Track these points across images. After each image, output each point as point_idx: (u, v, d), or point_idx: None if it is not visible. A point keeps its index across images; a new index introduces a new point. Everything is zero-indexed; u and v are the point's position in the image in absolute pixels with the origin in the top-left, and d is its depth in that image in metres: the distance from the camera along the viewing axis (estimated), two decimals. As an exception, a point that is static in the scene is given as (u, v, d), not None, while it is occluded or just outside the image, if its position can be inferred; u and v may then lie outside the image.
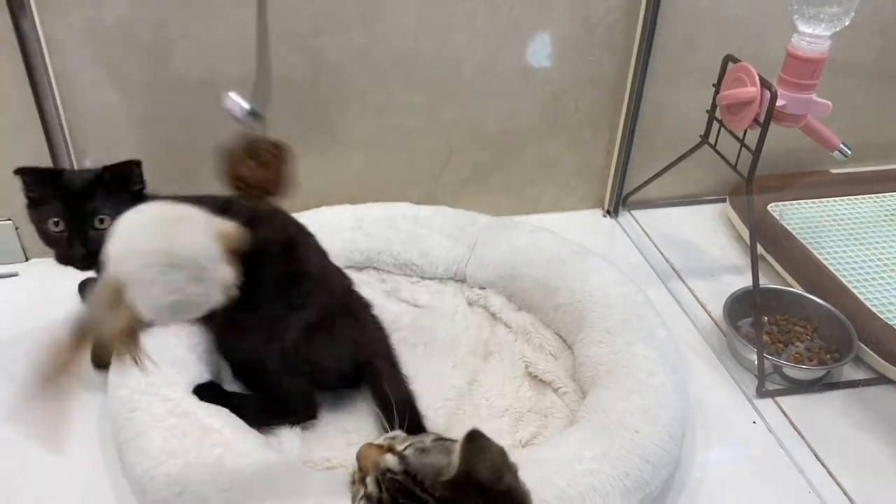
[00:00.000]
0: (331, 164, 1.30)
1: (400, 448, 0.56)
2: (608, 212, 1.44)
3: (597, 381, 0.95)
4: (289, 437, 0.93)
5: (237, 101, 0.85)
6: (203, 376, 0.95)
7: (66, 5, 1.07)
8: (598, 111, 1.34)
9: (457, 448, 0.52)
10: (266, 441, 0.91)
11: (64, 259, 0.94)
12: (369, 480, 0.54)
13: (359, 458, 0.57)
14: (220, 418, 0.87)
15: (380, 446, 0.57)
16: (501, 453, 0.52)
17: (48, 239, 0.93)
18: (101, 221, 0.92)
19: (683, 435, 0.90)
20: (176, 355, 0.95)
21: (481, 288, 1.19)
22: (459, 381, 1.03)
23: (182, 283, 0.66)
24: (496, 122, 1.32)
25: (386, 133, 1.29)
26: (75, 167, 1.17)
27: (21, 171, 0.93)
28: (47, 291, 1.20)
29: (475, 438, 0.51)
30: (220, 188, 0.97)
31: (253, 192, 0.78)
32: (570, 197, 1.43)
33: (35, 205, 0.93)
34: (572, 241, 1.18)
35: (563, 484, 0.78)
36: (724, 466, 0.94)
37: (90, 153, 1.20)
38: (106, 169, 0.93)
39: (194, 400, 0.89)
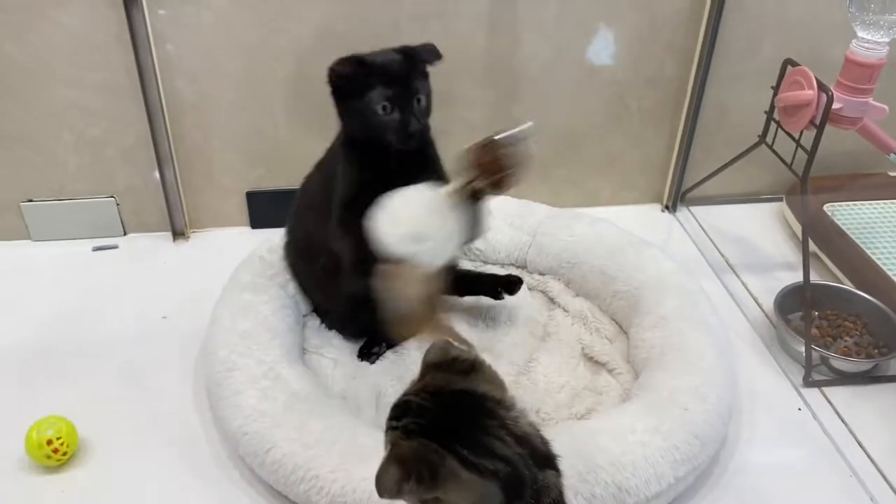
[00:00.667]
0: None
1: None
2: (666, 207, 1.50)
3: (650, 363, 1.01)
4: (365, 402, 1.01)
5: None
6: (294, 342, 1.05)
7: (172, 2, 1.17)
8: (659, 110, 1.40)
9: None
10: (344, 403, 1.00)
11: (401, 140, 0.93)
12: None
13: None
14: (307, 383, 0.96)
15: None
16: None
17: (375, 125, 0.92)
18: (419, 101, 0.94)
19: (731, 415, 0.96)
20: (271, 323, 1.04)
21: (541, 274, 1.26)
22: (518, 359, 1.10)
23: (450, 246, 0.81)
24: (561, 117, 1.39)
25: (454, 125, 1.36)
26: (173, 151, 1.28)
27: (343, 62, 0.91)
28: (142, 262, 1.32)
29: None
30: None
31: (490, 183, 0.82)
32: (631, 191, 1.49)
33: (351, 96, 0.92)
34: (631, 232, 1.24)
35: (617, 452, 0.85)
36: (768, 448, 0.99)
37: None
38: (404, 52, 0.95)
39: (285, 364, 0.98)
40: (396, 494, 0.56)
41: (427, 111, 0.96)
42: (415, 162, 0.95)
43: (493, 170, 0.80)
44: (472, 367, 0.62)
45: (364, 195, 0.86)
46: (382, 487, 0.55)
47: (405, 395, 0.61)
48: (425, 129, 0.96)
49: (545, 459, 0.59)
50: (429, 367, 0.63)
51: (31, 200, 1.31)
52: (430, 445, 0.56)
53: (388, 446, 0.59)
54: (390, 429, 0.60)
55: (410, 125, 0.92)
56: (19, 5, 1.14)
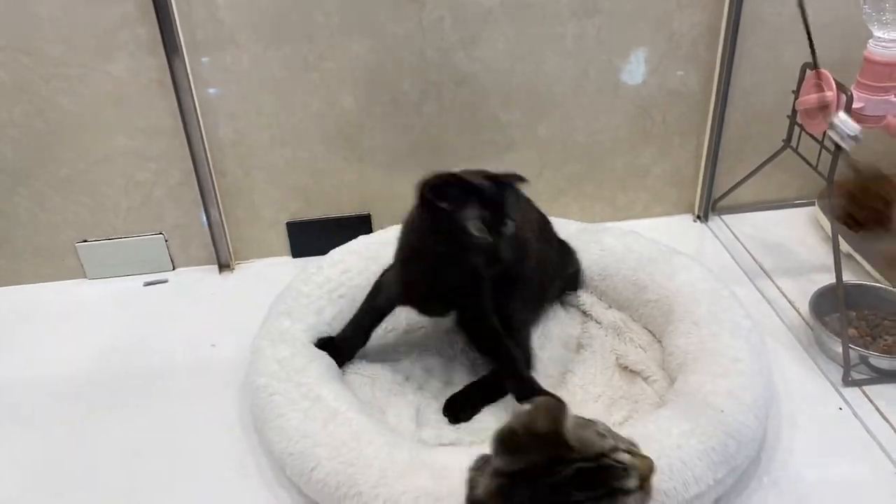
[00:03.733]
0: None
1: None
2: (698, 217, 1.51)
3: (684, 368, 1.02)
4: (405, 418, 1.04)
5: (845, 123, 0.87)
6: (330, 364, 1.08)
7: (211, 48, 1.25)
8: (685, 121, 1.42)
9: None
10: (384, 421, 1.03)
11: (489, 261, 0.94)
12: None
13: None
14: (344, 401, 0.99)
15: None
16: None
17: (463, 244, 0.92)
18: (507, 228, 0.93)
19: (767, 416, 0.96)
20: (308, 348, 1.08)
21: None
22: (554, 371, 1.12)
23: None
24: (587, 135, 1.42)
25: (482, 148, 1.41)
26: (216, 188, 1.35)
27: (429, 181, 0.92)
28: (191, 294, 1.39)
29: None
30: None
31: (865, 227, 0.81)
32: (662, 203, 1.51)
33: (444, 211, 0.91)
34: (660, 242, 1.26)
35: (654, 456, 0.85)
36: (811, 448, 0.99)
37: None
38: (494, 178, 0.94)
39: (324, 385, 1.01)
40: None
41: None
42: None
43: None
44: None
45: None
46: None
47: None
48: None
49: None
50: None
51: (85, 241, 1.39)
52: None
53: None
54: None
55: (498, 249, 0.92)
56: (71, 60, 1.22)
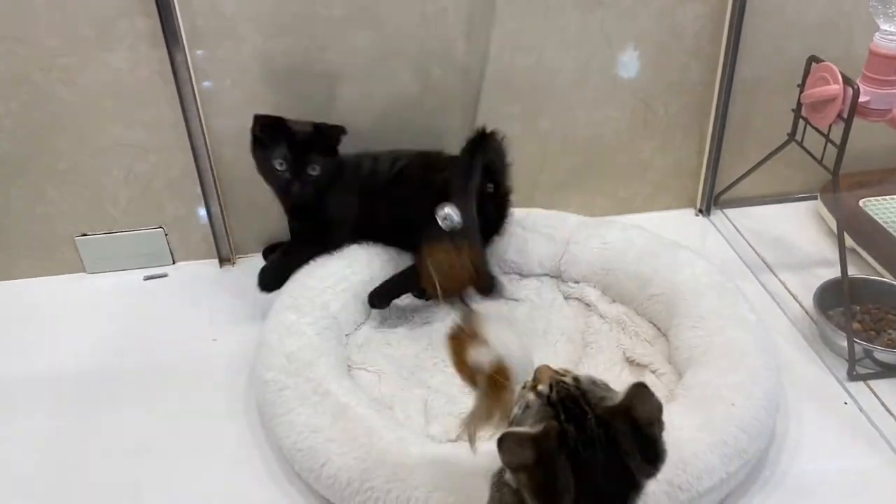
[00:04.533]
0: (436, 172, 1.43)
1: (573, 374, 0.66)
2: (700, 210, 1.51)
3: (692, 362, 1.02)
4: (413, 413, 1.04)
5: (451, 216, 1.04)
6: (338, 358, 1.08)
7: (211, 39, 1.23)
8: (687, 114, 1.41)
9: (620, 391, 0.62)
10: (393, 416, 1.02)
11: (282, 191, 1.18)
12: (542, 385, 0.64)
13: (537, 371, 0.68)
14: (354, 396, 0.98)
15: (556, 370, 0.67)
16: (660, 407, 0.61)
17: (270, 175, 1.16)
18: (313, 169, 1.15)
19: (777, 410, 0.96)
20: (315, 342, 1.07)
21: (576, 282, 1.28)
22: (561, 366, 1.11)
23: None
24: (588, 128, 1.41)
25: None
26: (216, 181, 1.34)
27: (258, 118, 1.15)
28: (192, 289, 1.37)
29: (643, 386, 0.61)
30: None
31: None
32: (663, 197, 1.51)
33: (262, 146, 1.16)
34: (662, 235, 1.26)
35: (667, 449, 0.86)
36: (817, 442, 0.99)
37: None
38: (318, 127, 1.17)
39: (333, 380, 1.00)
40: None
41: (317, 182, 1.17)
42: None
43: None
44: None
45: None
46: None
47: None
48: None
49: None
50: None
51: (84, 235, 1.37)
52: None
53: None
54: None
55: (292, 186, 1.16)
56: (69, 50, 1.20)
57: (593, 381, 0.66)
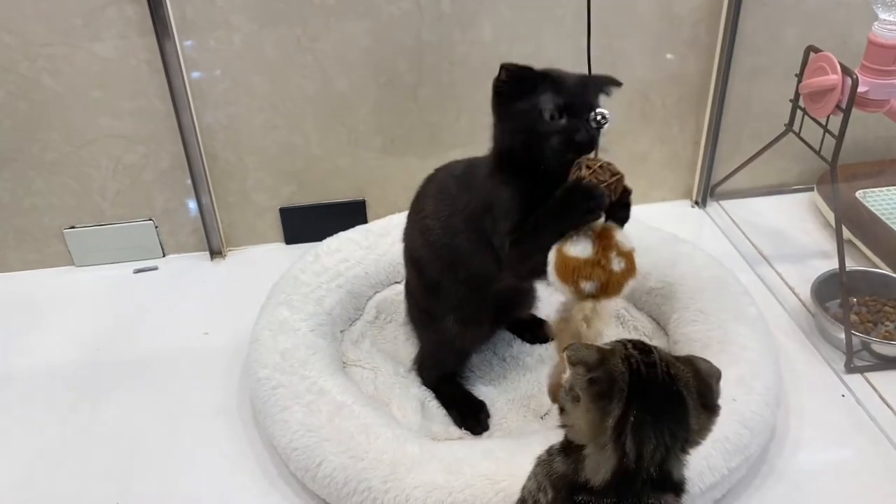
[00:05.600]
0: (429, 162, 1.40)
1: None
2: (696, 202, 1.50)
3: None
4: (409, 411, 1.02)
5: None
6: (333, 356, 1.06)
7: (201, 28, 1.21)
8: (684, 105, 1.40)
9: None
10: (390, 414, 1.00)
11: (563, 144, 0.84)
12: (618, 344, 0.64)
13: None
14: (350, 394, 0.96)
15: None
16: (719, 373, 0.63)
17: (537, 133, 0.84)
18: (602, 118, 0.85)
19: (778, 404, 0.96)
20: (310, 340, 1.05)
21: (574, 275, 1.27)
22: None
23: None
24: (585, 118, 1.39)
25: (481, 132, 1.38)
26: (207, 172, 1.31)
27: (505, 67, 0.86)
28: (182, 282, 1.35)
29: (705, 360, 0.63)
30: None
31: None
32: (659, 189, 1.50)
33: (518, 98, 0.85)
34: (661, 228, 1.25)
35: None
36: (815, 435, 0.99)
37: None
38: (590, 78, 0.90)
39: (328, 378, 0.98)
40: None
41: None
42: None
43: None
44: None
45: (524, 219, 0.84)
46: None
47: None
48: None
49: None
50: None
51: (73, 227, 1.35)
52: None
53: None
54: None
55: (580, 133, 0.83)
56: (56, 39, 1.18)
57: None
